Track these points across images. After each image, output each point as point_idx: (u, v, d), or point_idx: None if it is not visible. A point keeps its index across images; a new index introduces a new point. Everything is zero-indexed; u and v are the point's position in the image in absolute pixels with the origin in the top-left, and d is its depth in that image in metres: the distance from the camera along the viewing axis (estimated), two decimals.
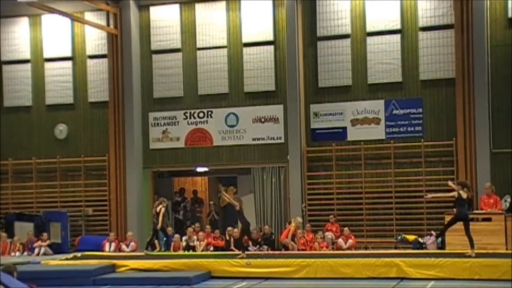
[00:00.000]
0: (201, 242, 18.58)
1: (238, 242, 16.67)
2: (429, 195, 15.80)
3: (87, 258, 16.55)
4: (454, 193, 14.53)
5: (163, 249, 18.63)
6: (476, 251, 14.32)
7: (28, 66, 21.87)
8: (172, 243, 18.68)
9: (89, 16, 21.12)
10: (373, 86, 19.19)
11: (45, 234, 19.52)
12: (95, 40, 21.33)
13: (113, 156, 20.82)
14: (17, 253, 19.22)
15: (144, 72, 20.92)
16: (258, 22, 19.98)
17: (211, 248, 18.54)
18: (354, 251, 17.26)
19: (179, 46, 20.68)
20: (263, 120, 19.99)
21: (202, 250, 18.30)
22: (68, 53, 21.53)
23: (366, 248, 18.15)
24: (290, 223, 18.69)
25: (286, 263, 14.48)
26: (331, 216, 18.74)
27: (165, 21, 20.74)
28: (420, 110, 18.83)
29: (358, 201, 19.10)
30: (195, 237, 18.73)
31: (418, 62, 18.82)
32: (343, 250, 17.57)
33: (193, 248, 18.40)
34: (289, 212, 19.47)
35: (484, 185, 17.25)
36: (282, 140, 19.76)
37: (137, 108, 20.78)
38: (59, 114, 21.62)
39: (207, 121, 20.43)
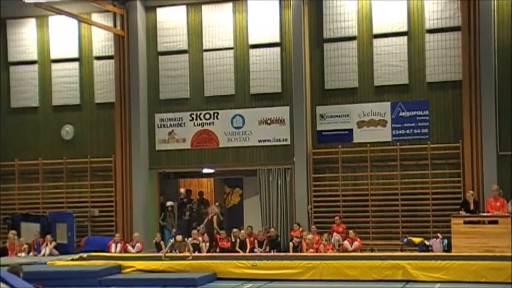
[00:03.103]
0: (207, 244, 18.58)
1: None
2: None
3: (93, 258, 16.58)
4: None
5: (168, 250, 18.62)
6: (482, 254, 14.28)
7: (35, 67, 21.92)
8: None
9: (96, 17, 21.17)
10: (380, 88, 19.17)
11: (48, 236, 19.51)
12: (101, 41, 21.37)
13: (119, 157, 20.85)
14: (23, 254, 19.25)
15: (150, 74, 20.94)
16: (265, 23, 19.98)
17: (217, 250, 18.53)
18: (360, 253, 17.23)
19: (185, 47, 20.70)
20: (269, 121, 19.98)
21: (207, 252, 18.30)
22: (75, 54, 21.57)
23: (372, 250, 18.13)
24: (298, 224, 18.75)
25: (292, 265, 14.48)
26: (336, 218, 18.71)
27: (172, 22, 20.77)
28: (427, 112, 18.79)
29: (364, 203, 19.07)
30: (200, 238, 18.74)
31: (424, 64, 18.79)
32: (349, 252, 17.54)
33: (199, 250, 18.40)
34: (295, 214, 19.45)
35: (491, 188, 17.19)
36: (288, 142, 19.75)
37: (143, 109, 20.81)
38: (65, 115, 21.66)
39: (213, 122, 20.44)
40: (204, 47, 20.52)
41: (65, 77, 21.61)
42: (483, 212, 17.11)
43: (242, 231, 18.94)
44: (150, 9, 20.96)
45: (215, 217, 19.94)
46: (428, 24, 18.77)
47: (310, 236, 17.80)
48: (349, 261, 14.58)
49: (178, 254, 16.95)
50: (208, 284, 14.14)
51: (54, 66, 21.76)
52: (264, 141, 19.99)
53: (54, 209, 20.97)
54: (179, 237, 16.54)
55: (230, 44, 20.30)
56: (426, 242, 17.58)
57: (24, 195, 21.75)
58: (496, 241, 16.03)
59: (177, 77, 20.71)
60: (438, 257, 14.74)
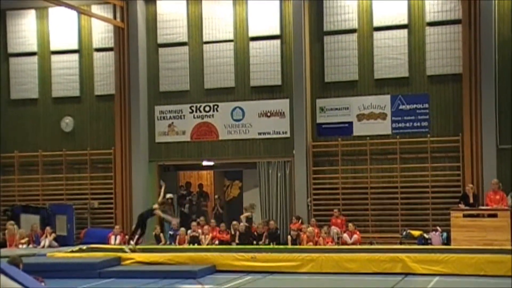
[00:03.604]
0: (206, 236, 18.61)
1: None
2: None
3: (93, 250, 16.60)
4: None
5: (168, 242, 18.66)
6: (481, 247, 14.28)
7: (35, 58, 21.90)
8: (177, 237, 18.71)
9: (95, 9, 21.13)
10: (380, 81, 19.15)
11: (48, 228, 19.53)
12: (101, 33, 21.34)
13: (119, 149, 20.85)
14: (25, 245, 19.27)
15: (150, 66, 20.92)
16: (265, 16, 19.94)
17: (216, 242, 18.57)
18: (359, 246, 17.25)
19: (185, 39, 20.67)
20: (269, 114, 19.98)
21: (207, 244, 18.33)
22: (75, 46, 21.55)
23: (371, 244, 18.15)
24: (297, 218, 18.76)
25: (291, 258, 14.49)
26: (335, 210, 18.73)
27: (172, 14, 20.73)
28: (427, 105, 18.78)
29: (363, 196, 19.08)
30: (199, 231, 18.76)
31: (425, 57, 18.77)
32: (348, 245, 17.56)
33: (198, 242, 18.43)
34: (294, 207, 19.47)
35: (491, 181, 17.20)
36: (288, 135, 19.75)
37: (143, 101, 20.80)
38: (65, 107, 21.66)
39: (213, 115, 20.43)
40: (204, 39, 20.49)
41: (65, 69, 21.59)
42: (483, 205, 17.13)
43: (242, 224, 18.95)
44: (150, 1, 20.92)
45: (247, 214, 19.54)
46: (429, 17, 18.74)
47: (310, 228, 17.82)
48: (348, 254, 14.59)
49: (178, 246, 16.96)
50: (207, 276, 14.15)
51: (54, 58, 21.74)
52: (264, 133, 19.99)
53: (53, 201, 20.99)
54: (155, 206, 16.79)
55: (230, 36, 20.27)
56: (426, 235, 17.60)
57: (24, 187, 21.77)
58: (495, 234, 16.06)
59: (177, 69, 20.68)
60: (437, 250, 14.76)
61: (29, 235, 19.54)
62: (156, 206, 16.85)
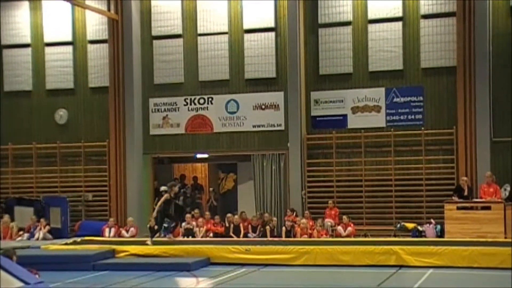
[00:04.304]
0: (201, 229, 18.61)
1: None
2: None
3: (87, 243, 16.57)
4: None
5: (162, 235, 18.63)
6: (475, 239, 14.32)
7: (28, 50, 21.82)
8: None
9: (89, 1, 21.03)
10: (374, 73, 19.15)
11: (42, 220, 19.53)
12: (95, 25, 21.26)
13: (113, 141, 20.81)
14: (26, 236, 19.27)
15: (144, 58, 20.86)
16: (260, 8, 19.90)
17: (211, 235, 18.57)
18: (353, 239, 17.29)
19: (180, 32, 20.61)
20: (263, 107, 19.96)
21: (201, 237, 18.34)
22: (69, 38, 21.47)
23: (365, 236, 18.19)
24: (292, 210, 18.77)
25: (285, 250, 14.50)
26: (330, 202, 18.75)
27: (166, 6, 20.67)
28: (421, 98, 18.80)
29: (357, 188, 19.12)
30: (194, 223, 18.76)
31: (419, 50, 18.77)
32: (342, 237, 17.59)
33: (193, 234, 18.43)
34: (288, 199, 19.48)
35: (484, 174, 17.24)
36: (283, 127, 19.74)
37: (137, 94, 20.75)
38: (59, 99, 21.60)
39: (207, 107, 20.40)
40: (199, 31, 20.44)
41: (59, 61, 21.52)
42: (476, 198, 17.17)
43: (236, 216, 18.97)
44: None
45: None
46: (423, 10, 18.73)
47: (304, 221, 17.83)
48: (342, 246, 14.61)
49: (172, 239, 16.94)
50: (201, 269, 14.15)
51: (48, 50, 21.66)
52: (259, 126, 19.98)
53: (48, 193, 20.96)
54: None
55: (225, 28, 20.22)
56: (419, 228, 17.64)
57: (18, 179, 21.72)
58: (489, 226, 16.10)
59: (172, 61, 20.64)
60: (431, 243, 14.79)
61: (28, 227, 19.54)
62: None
